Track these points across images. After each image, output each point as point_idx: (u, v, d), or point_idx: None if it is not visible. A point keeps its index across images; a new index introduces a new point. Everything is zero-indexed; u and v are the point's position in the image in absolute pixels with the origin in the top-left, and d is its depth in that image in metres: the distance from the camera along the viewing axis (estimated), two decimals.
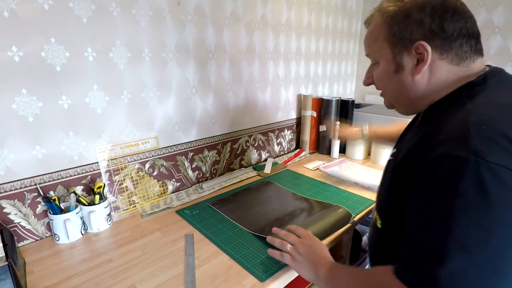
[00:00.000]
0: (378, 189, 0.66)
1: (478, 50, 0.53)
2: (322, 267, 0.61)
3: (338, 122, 1.42)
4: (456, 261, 0.40)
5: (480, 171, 0.40)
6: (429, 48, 0.51)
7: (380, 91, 0.63)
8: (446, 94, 0.53)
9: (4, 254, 0.62)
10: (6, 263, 0.60)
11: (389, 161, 0.62)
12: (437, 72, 0.53)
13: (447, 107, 0.51)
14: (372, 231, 0.68)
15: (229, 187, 1.15)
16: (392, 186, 0.56)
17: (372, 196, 1.02)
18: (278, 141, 1.50)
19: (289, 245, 0.68)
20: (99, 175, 0.92)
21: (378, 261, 0.66)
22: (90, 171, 0.90)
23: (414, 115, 0.64)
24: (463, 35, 0.50)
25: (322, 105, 1.47)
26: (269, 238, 0.73)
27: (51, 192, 0.84)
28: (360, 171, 1.27)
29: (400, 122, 1.00)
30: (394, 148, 0.65)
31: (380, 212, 0.63)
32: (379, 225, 0.63)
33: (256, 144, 1.38)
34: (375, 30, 0.57)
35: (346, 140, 1.20)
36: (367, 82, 0.64)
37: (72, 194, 0.83)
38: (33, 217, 0.82)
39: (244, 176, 1.24)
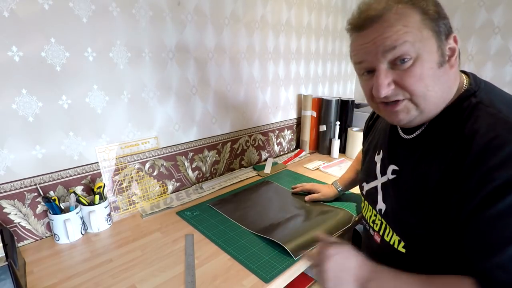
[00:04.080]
0: (393, 210, 0.61)
1: None
2: (367, 281, 0.53)
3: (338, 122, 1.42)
4: None
5: None
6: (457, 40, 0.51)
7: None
8: (450, 102, 0.52)
9: (4, 254, 0.62)
10: (6, 263, 0.60)
11: (394, 180, 0.60)
12: (456, 68, 0.53)
13: (466, 119, 0.49)
14: (389, 256, 0.61)
15: (229, 187, 1.15)
16: (433, 211, 0.52)
17: None
18: (278, 141, 1.50)
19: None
20: (99, 175, 0.92)
21: None
22: (90, 171, 0.90)
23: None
24: None
25: (322, 105, 1.47)
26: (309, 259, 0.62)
27: (51, 192, 0.84)
28: None
29: (353, 166, 1.00)
30: (389, 164, 0.62)
31: (406, 237, 0.58)
32: (401, 249, 0.58)
33: (256, 144, 1.38)
34: (421, 18, 0.48)
35: (319, 197, 1.00)
36: (387, 90, 0.50)
37: (72, 194, 0.83)
38: (33, 217, 0.82)
39: (244, 176, 1.24)
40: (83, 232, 0.86)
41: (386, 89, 0.50)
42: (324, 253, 0.56)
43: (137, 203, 1.00)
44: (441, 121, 0.53)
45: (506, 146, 0.43)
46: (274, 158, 1.46)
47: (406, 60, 0.48)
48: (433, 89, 0.50)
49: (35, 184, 0.81)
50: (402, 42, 0.47)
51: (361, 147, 1.13)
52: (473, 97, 0.51)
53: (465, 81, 0.54)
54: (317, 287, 0.85)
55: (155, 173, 1.05)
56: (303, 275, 0.82)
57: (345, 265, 0.55)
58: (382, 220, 0.64)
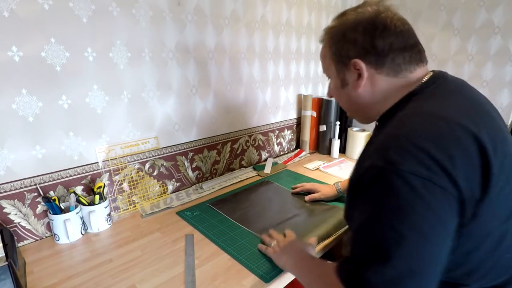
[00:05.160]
0: None
1: (417, 60, 0.55)
2: (294, 256, 0.68)
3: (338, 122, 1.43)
4: (375, 264, 0.44)
5: (393, 179, 0.43)
6: (363, 65, 0.55)
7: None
8: (390, 106, 0.56)
9: (4, 254, 0.62)
10: (6, 263, 0.60)
11: None
12: (378, 85, 0.56)
13: (388, 120, 0.55)
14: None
15: (229, 187, 1.15)
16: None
17: None
18: (278, 141, 1.50)
19: (275, 242, 0.75)
20: (99, 175, 0.92)
21: None
22: (90, 171, 0.90)
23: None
24: (393, 49, 0.54)
25: (322, 105, 1.47)
26: (262, 236, 0.81)
27: (51, 192, 0.84)
28: None
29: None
30: None
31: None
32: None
33: (256, 144, 1.38)
34: (323, 49, 0.62)
35: (320, 197, 1.02)
36: (329, 95, 0.69)
37: (72, 194, 0.83)
38: (33, 217, 0.82)
39: (244, 176, 1.24)
40: (83, 232, 0.86)
41: (328, 93, 0.69)
42: (287, 238, 0.76)
43: (137, 203, 1.00)
44: (380, 121, 0.60)
45: (369, 159, 0.48)
46: (274, 158, 1.46)
47: (328, 77, 0.66)
48: (341, 103, 0.66)
49: (35, 184, 0.81)
50: (323, 68, 0.66)
51: (361, 147, 1.15)
52: (405, 102, 0.54)
53: (417, 84, 0.55)
54: None
55: (155, 173, 1.05)
56: None
57: (294, 247, 0.71)
58: None
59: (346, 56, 0.57)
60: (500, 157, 0.45)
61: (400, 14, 0.56)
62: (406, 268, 0.42)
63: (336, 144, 1.45)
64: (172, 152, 1.08)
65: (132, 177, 0.99)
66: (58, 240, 0.82)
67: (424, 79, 0.54)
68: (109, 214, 0.89)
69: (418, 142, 0.44)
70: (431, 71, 0.57)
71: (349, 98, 0.62)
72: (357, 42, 0.55)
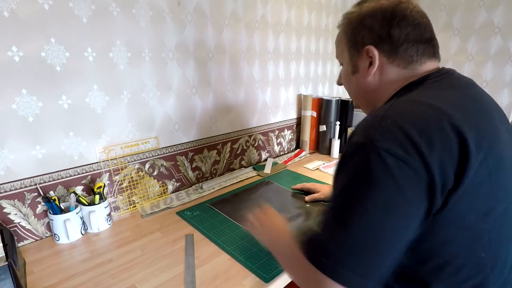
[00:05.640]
0: None
1: (430, 54, 0.55)
2: (273, 232, 0.67)
3: (338, 123, 1.43)
4: (335, 232, 0.46)
5: (369, 155, 0.44)
6: (376, 52, 0.55)
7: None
8: (392, 94, 0.56)
9: (4, 254, 0.62)
10: (6, 263, 0.60)
11: None
12: (387, 75, 0.57)
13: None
14: None
15: (229, 187, 1.15)
16: None
17: None
18: (278, 141, 1.50)
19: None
20: (99, 175, 0.92)
21: None
22: (90, 171, 0.90)
23: None
24: (409, 40, 0.54)
25: (322, 105, 1.47)
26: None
27: (51, 192, 0.84)
28: None
29: None
30: None
31: None
32: None
33: (256, 144, 1.38)
34: (340, 33, 0.63)
35: (320, 197, 1.02)
36: (338, 82, 0.70)
37: (72, 194, 0.83)
38: (33, 217, 0.82)
39: (244, 176, 1.24)
40: (83, 232, 0.86)
41: (338, 81, 0.70)
42: (267, 210, 0.76)
43: (137, 203, 1.00)
44: None
45: (352, 137, 0.49)
46: (274, 158, 1.46)
47: (341, 64, 0.66)
48: (349, 90, 0.66)
49: (35, 184, 0.81)
50: (336, 54, 0.66)
51: None
52: (403, 91, 0.54)
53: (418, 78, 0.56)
54: None
55: (155, 173, 1.05)
56: None
57: (271, 220, 0.71)
58: None
59: (360, 42, 0.57)
60: (483, 154, 0.45)
61: (420, 7, 0.56)
62: (363, 240, 0.43)
63: (336, 144, 1.45)
64: (172, 152, 1.08)
65: (132, 177, 0.99)
66: (58, 240, 0.82)
67: (432, 72, 0.55)
68: (109, 214, 0.89)
69: (400, 123, 0.45)
70: (443, 67, 0.57)
71: (358, 86, 0.62)
72: (373, 29, 0.55)
